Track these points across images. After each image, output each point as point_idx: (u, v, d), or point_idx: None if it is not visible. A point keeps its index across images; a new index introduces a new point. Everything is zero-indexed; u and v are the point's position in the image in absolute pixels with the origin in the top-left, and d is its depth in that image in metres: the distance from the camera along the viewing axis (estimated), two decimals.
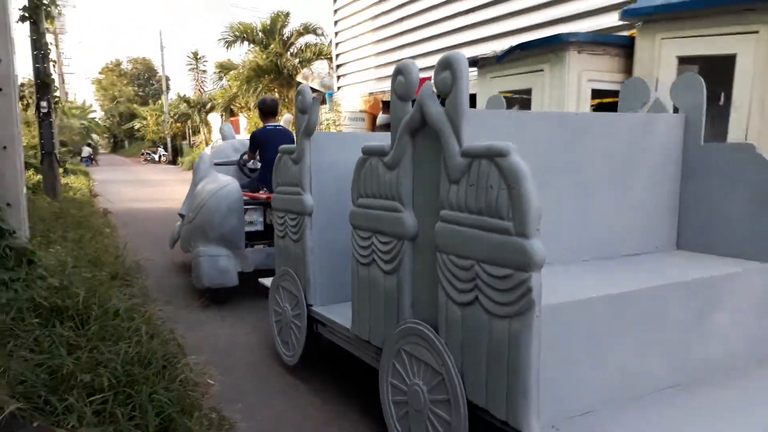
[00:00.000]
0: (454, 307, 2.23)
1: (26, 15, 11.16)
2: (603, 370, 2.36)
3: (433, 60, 10.27)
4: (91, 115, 45.31)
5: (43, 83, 11.72)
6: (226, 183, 5.33)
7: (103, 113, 55.24)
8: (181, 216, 6.55)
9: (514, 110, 3.39)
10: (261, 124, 6.17)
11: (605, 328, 2.35)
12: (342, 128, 12.99)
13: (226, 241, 5.29)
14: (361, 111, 12.89)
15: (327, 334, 3.46)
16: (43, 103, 11.67)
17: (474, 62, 6.31)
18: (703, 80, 3.21)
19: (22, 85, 13.79)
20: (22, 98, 11.92)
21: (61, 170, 15.82)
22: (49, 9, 11.64)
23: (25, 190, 4.77)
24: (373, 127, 12.34)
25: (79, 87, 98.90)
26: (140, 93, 55.37)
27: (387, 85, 12.17)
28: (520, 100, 6.26)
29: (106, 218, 9.16)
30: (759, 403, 2.41)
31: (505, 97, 6.03)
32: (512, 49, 5.50)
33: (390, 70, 11.94)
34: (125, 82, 57.40)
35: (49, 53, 11.78)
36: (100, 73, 58.67)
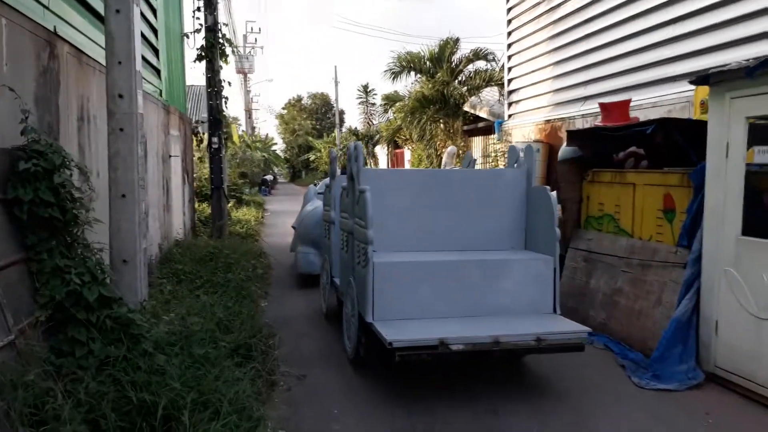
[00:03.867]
0: (356, 265, 4.80)
1: (203, 54, 11.47)
2: (413, 300, 4.54)
3: (631, 79, 8.54)
4: (273, 148, 48.72)
5: (215, 120, 11.95)
6: (318, 206, 8.07)
7: (284, 145, 59.31)
8: (294, 228, 9.25)
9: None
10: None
11: (410, 278, 4.57)
12: None
13: (314, 244, 7.99)
14: (535, 141, 11.39)
15: (337, 291, 5.91)
16: (214, 139, 11.86)
17: (703, 78, 4.64)
18: (533, 148, 5.79)
19: (197, 121, 14.40)
20: (196, 134, 12.28)
21: (232, 202, 16.40)
22: (223, 48, 11.87)
23: (144, 244, 4.14)
24: (550, 157, 10.76)
25: (264, 122, 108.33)
26: (317, 126, 58.53)
27: (568, 110, 10.57)
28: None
29: (258, 259, 8.72)
30: (515, 327, 4.37)
31: (755, 124, 4.30)
32: None
33: (574, 94, 10.38)
34: (304, 116, 61.14)
35: (222, 90, 12.01)
36: (283, 108, 63.29)
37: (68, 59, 4.56)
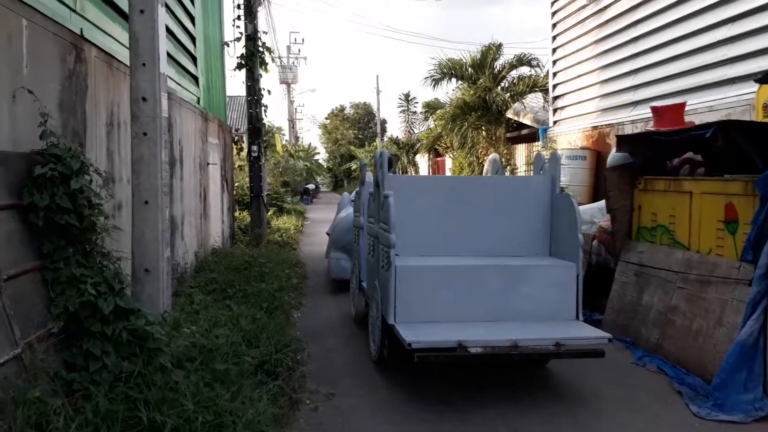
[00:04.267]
0: (380, 269, 4.85)
1: (243, 63, 11.48)
2: (435, 303, 4.57)
3: (685, 82, 8.06)
4: (315, 157, 49.05)
5: (254, 128, 11.93)
6: (351, 212, 7.92)
7: (327, 154, 59.64)
8: (328, 234, 9.25)
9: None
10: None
11: (432, 282, 4.61)
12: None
13: (346, 250, 7.95)
14: (582, 148, 10.94)
15: (364, 295, 5.96)
16: (254, 147, 11.83)
17: (764, 78, 4.22)
18: (559, 156, 5.46)
19: (237, 130, 14.43)
20: (236, 142, 12.29)
21: (272, 211, 16.36)
22: (263, 56, 11.85)
23: (167, 252, 3.99)
24: (598, 165, 10.28)
25: (308, 131, 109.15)
26: (359, 136, 58.69)
27: (616, 116, 10.08)
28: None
29: (293, 269, 8.56)
30: (535, 332, 4.35)
31: None
32: None
33: (622, 99, 9.88)
34: (347, 126, 61.41)
35: (261, 99, 11.98)
36: (326, 117, 63.75)
37: (96, 63, 4.49)
